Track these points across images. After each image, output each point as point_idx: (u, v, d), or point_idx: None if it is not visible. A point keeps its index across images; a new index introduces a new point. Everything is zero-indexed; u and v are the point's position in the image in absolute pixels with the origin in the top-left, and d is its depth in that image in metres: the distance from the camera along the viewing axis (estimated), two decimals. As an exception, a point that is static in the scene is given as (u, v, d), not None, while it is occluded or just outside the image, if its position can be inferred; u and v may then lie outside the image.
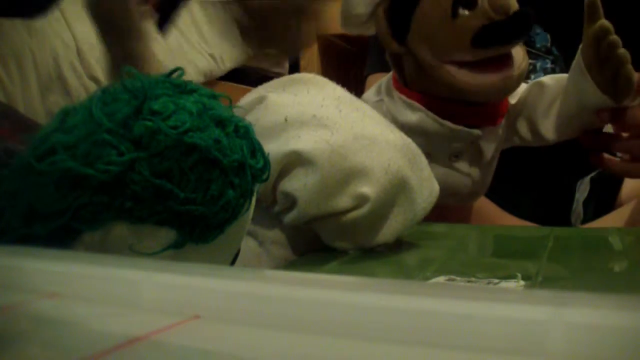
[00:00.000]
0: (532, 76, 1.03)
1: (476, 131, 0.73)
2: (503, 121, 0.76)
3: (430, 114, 0.72)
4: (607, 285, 0.45)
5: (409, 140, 0.58)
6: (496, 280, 0.47)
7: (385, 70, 1.02)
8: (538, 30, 1.04)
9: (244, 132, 0.39)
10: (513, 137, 0.81)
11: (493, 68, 0.69)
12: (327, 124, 0.52)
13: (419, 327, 0.26)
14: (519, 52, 0.71)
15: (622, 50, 0.66)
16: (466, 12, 0.67)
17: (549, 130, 0.76)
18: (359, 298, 0.27)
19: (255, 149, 0.40)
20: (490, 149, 0.76)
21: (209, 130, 0.37)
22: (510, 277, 0.48)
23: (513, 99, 0.76)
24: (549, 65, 1.04)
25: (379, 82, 0.81)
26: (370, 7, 0.73)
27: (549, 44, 1.03)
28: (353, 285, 0.31)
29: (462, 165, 0.76)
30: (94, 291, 0.27)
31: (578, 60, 0.69)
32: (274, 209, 0.55)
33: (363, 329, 0.26)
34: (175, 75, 0.39)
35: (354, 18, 0.74)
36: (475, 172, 0.77)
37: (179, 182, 0.35)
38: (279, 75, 1.91)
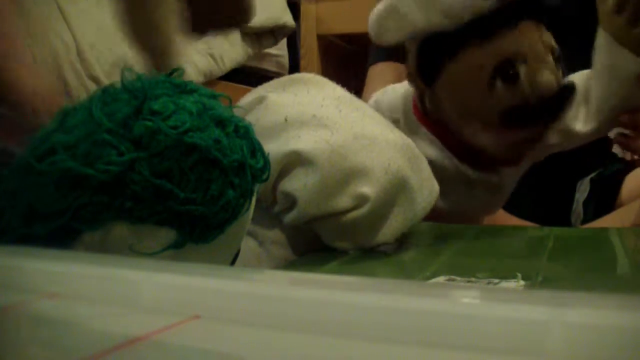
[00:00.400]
0: None
1: (495, 177, 0.72)
2: (525, 162, 0.74)
3: (449, 154, 0.69)
4: (607, 285, 0.45)
5: (408, 140, 0.58)
6: (496, 280, 0.47)
7: (388, 59, 1.01)
8: None
9: (244, 132, 0.39)
10: (544, 153, 0.78)
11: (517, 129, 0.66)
12: (327, 124, 0.52)
13: (418, 327, 0.26)
14: None
15: None
16: (504, 86, 0.63)
17: (584, 126, 0.71)
18: (358, 298, 0.27)
19: (255, 149, 0.40)
20: (509, 183, 0.75)
21: (209, 130, 0.37)
22: (510, 277, 0.48)
23: None
24: None
25: (393, 91, 0.77)
26: (401, 39, 0.68)
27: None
28: (353, 285, 0.31)
29: (478, 193, 0.73)
30: (94, 291, 0.27)
31: (601, 38, 0.67)
32: (274, 209, 0.55)
33: (363, 329, 0.26)
34: (175, 75, 0.39)
35: (383, 41, 0.69)
36: (491, 197, 0.76)
37: (179, 182, 0.35)
38: (279, 75, 1.91)
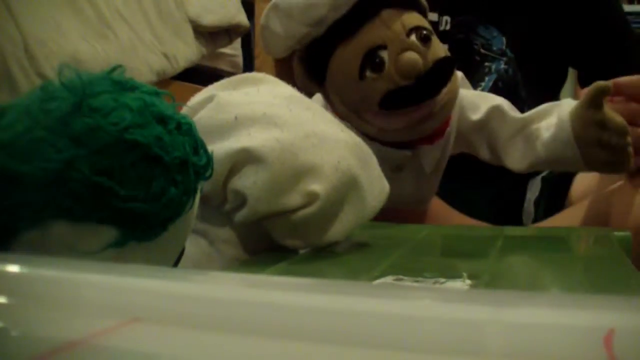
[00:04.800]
0: (486, 78, 1.04)
1: (405, 152, 0.73)
2: (445, 138, 0.75)
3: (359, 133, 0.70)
4: (556, 284, 0.46)
5: (359, 139, 0.58)
6: (443, 280, 0.47)
7: None
8: (495, 33, 1.05)
9: (186, 129, 0.39)
10: (466, 149, 0.80)
11: (411, 109, 0.68)
12: (277, 123, 0.52)
13: (361, 329, 0.25)
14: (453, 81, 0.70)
15: (630, 149, 0.66)
16: (373, 75, 0.66)
17: (513, 163, 0.75)
18: (301, 299, 0.27)
19: (198, 146, 0.40)
20: (429, 164, 0.76)
21: (151, 127, 0.36)
22: (457, 277, 0.48)
23: (475, 115, 0.76)
24: (502, 67, 1.05)
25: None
26: (286, 52, 0.72)
27: (504, 47, 1.05)
28: (296, 287, 0.30)
29: (405, 177, 0.75)
30: (30, 294, 0.26)
31: (568, 131, 0.69)
32: (225, 208, 0.54)
33: (307, 331, 0.25)
34: (116, 72, 0.39)
35: (274, 55, 0.75)
36: (418, 182, 0.77)
37: (120, 180, 0.35)
38: (233, 74, 1.91)
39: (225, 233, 0.56)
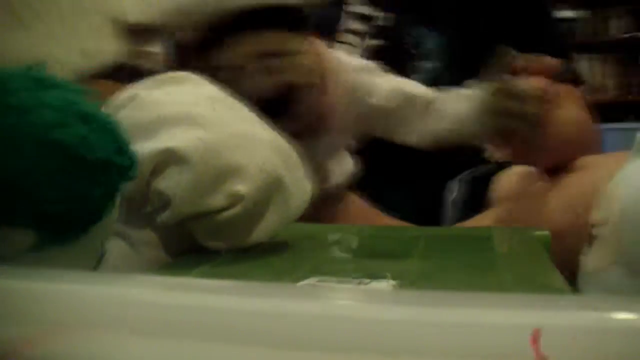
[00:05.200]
0: (415, 76, 1.06)
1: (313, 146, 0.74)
2: (329, 129, 0.77)
3: None
4: (481, 283, 0.46)
5: (283, 140, 0.58)
6: (367, 281, 0.47)
7: None
8: (427, 32, 1.07)
9: (110, 128, 0.38)
10: (368, 130, 0.82)
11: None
12: (201, 122, 0.52)
13: (286, 330, 0.25)
14: (314, 99, 0.72)
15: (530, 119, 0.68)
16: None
17: (413, 140, 0.77)
18: (226, 301, 0.27)
19: (122, 145, 0.39)
20: (319, 153, 0.77)
21: (73, 126, 0.35)
22: (381, 277, 0.48)
23: (375, 99, 0.77)
24: (432, 65, 1.06)
25: None
26: None
27: (436, 46, 1.06)
28: (222, 289, 0.30)
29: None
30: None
31: (472, 98, 0.71)
32: (147, 209, 0.53)
33: (230, 333, 0.25)
34: (35, 69, 0.37)
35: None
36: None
37: (38, 181, 0.34)
38: (155, 73, 1.86)
39: (146, 235, 0.55)
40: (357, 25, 1.08)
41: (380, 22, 1.08)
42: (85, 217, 0.36)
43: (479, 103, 0.69)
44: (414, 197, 1.08)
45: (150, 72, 1.51)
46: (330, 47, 1.07)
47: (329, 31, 1.08)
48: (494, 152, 0.83)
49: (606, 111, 1.07)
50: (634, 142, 0.46)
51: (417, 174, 1.09)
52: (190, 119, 0.52)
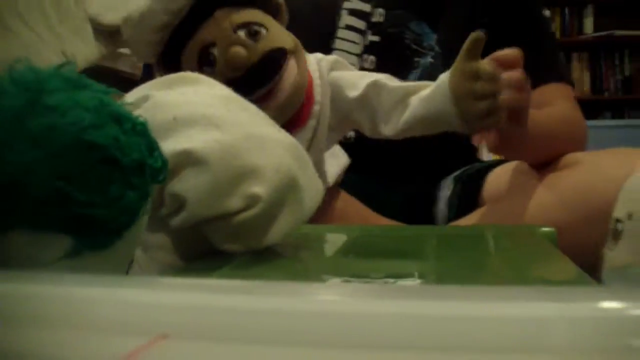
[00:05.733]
0: (413, 72, 1.06)
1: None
2: (312, 122, 0.77)
3: None
4: (504, 279, 0.46)
5: (295, 140, 0.57)
6: (392, 280, 0.47)
7: None
8: (426, 29, 1.07)
9: (141, 130, 0.37)
10: (350, 125, 0.83)
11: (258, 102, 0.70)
12: (217, 124, 0.51)
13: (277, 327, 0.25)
14: (291, 71, 0.73)
15: (501, 100, 0.68)
16: (209, 71, 0.71)
17: (389, 131, 0.77)
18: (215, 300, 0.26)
19: (153, 147, 0.38)
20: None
21: (108, 128, 0.34)
22: (405, 276, 0.48)
23: (353, 92, 0.77)
24: (429, 61, 1.06)
25: None
26: (155, 58, 0.77)
27: (433, 43, 1.07)
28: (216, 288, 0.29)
29: None
30: (40, 313, 0.24)
31: (444, 85, 0.70)
32: (161, 212, 0.52)
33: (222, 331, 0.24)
34: (66, 68, 0.36)
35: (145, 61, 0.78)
36: None
37: (79, 184, 0.33)
38: (132, 75, 1.85)
39: (159, 239, 0.54)
40: (356, 22, 1.08)
41: (377, 19, 1.08)
42: (120, 220, 0.35)
43: (448, 88, 0.70)
44: (406, 196, 1.08)
45: (126, 74, 1.49)
46: (330, 42, 1.07)
47: (328, 27, 1.08)
48: (480, 142, 0.83)
49: (581, 109, 1.08)
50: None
51: (410, 173, 1.09)
52: (206, 120, 0.51)
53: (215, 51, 0.71)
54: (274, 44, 0.72)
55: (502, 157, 1.09)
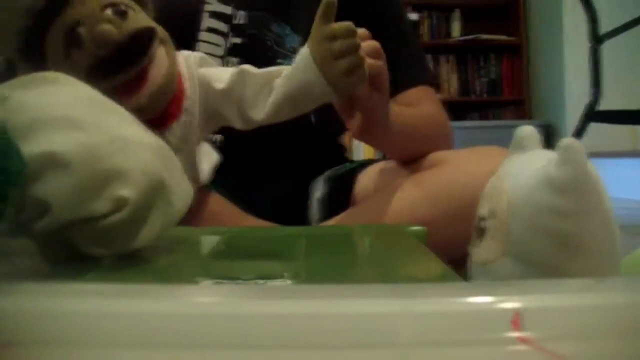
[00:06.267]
0: None
1: (166, 137, 0.75)
2: (184, 118, 0.77)
3: None
4: (372, 277, 0.47)
5: (162, 142, 0.56)
6: (262, 281, 0.47)
7: None
8: (288, 31, 1.08)
9: (-3, 132, 0.36)
10: (220, 120, 0.82)
11: (127, 92, 0.71)
12: (80, 125, 0.49)
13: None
14: (162, 60, 0.73)
15: (361, 52, 0.70)
16: (77, 52, 0.69)
17: (259, 114, 0.78)
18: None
19: (11, 150, 0.36)
20: (174, 142, 0.77)
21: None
22: (275, 277, 0.49)
23: (220, 84, 0.78)
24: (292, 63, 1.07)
25: None
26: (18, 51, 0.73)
27: (296, 45, 1.07)
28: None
29: None
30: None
31: (305, 54, 0.72)
32: (21, 217, 0.50)
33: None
34: None
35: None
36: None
37: None
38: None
39: (18, 245, 0.52)
40: (217, 24, 1.08)
41: (238, 21, 1.08)
42: (-25, 227, 0.34)
43: (309, 55, 0.71)
44: (277, 196, 1.08)
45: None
46: (192, 45, 1.06)
47: (189, 30, 1.07)
48: (349, 125, 0.86)
49: (449, 110, 1.13)
50: (512, 139, 0.48)
51: (279, 174, 1.10)
52: (68, 121, 0.49)
53: (82, 30, 0.69)
54: (143, 24, 0.71)
55: (372, 157, 1.12)
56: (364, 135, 0.88)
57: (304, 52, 0.72)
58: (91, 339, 0.24)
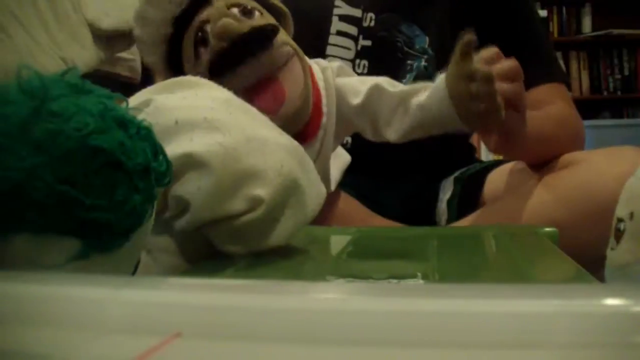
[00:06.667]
0: (408, 75, 1.06)
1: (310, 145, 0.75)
2: (320, 134, 0.77)
3: None
4: (505, 280, 0.46)
5: (296, 143, 0.57)
6: (395, 281, 0.47)
7: None
8: (417, 32, 1.07)
9: (145, 134, 0.38)
10: (352, 129, 0.83)
11: (261, 95, 0.71)
12: (218, 127, 0.51)
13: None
14: (297, 74, 0.73)
15: (499, 98, 0.69)
16: (203, 50, 0.71)
17: (392, 135, 0.77)
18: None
19: (158, 151, 0.38)
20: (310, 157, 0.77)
21: (112, 132, 0.35)
22: (408, 276, 0.48)
23: (356, 99, 0.78)
24: (422, 64, 1.07)
25: None
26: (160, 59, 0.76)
27: (426, 45, 1.07)
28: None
29: None
30: (50, 314, 0.24)
31: (442, 87, 0.71)
32: (165, 215, 0.52)
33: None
34: (69, 74, 0.37)
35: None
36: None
37: (84, 188, 0.33)
38: (131, 80, 1.84)
39: (163, 241, 0.55)
40: (347, 27, 1.08)
41: (368, 23, 1.08)
42: (127, 223, 0.35)
43: (446, 91, 0.70)
44: (406, 197, 1.08)
45: (125, 78, 1.49)
46: (323, 49, 1.07)
47: (320, 34, 1.08)
48: (485, 142, 0.84)
49: (579, 108, 1.08)
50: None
51: (410, 174, 1.09)
52: (208, 123, 0.51)
53: (208, 28, 0.70)
54: (267, 21, 0.72)
55: (502, 158, 1.10)
56: (501, 151, 0.87)
57: (440, 85, 0.71)
58: (233, 332, 0.24)
